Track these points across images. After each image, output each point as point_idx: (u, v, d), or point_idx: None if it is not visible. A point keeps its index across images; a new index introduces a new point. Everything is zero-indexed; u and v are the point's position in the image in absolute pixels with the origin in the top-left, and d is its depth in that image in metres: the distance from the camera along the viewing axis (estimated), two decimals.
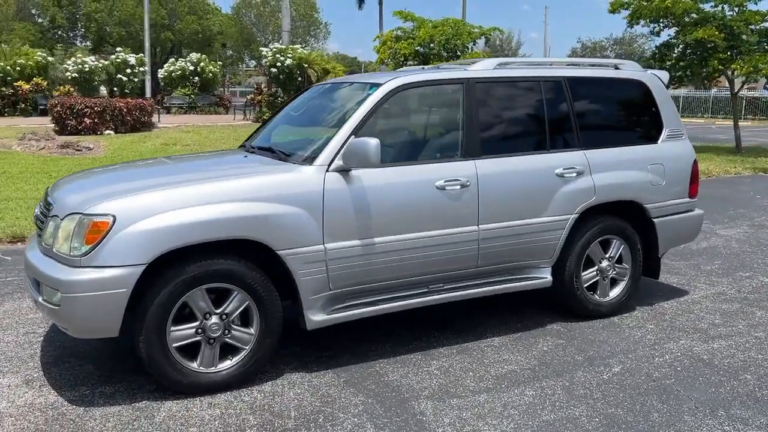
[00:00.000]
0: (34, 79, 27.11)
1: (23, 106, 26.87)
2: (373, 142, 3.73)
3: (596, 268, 4.84)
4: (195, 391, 3.57)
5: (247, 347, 3.69)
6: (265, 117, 26.73)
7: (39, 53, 27.93)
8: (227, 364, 3.66)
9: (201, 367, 3.59)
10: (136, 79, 25.53)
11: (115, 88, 24.84)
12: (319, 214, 3.75)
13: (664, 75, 5.32)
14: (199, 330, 3.56)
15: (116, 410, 3.42)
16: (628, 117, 5.11)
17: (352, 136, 3.89)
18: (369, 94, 4.11)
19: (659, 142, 5.05)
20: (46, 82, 27.23)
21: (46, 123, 21.30)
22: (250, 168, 4.12)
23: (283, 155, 4.14)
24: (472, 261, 4.32)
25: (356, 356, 4.14)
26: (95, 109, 19.24)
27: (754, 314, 4.99)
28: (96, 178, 4.22)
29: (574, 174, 4.58)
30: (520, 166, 4.43)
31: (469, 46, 36.54)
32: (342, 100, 4.54)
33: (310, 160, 3.89)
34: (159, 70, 32.07)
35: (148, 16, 26.21)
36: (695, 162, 5.20)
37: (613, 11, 19.20)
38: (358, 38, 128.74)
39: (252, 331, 3.70)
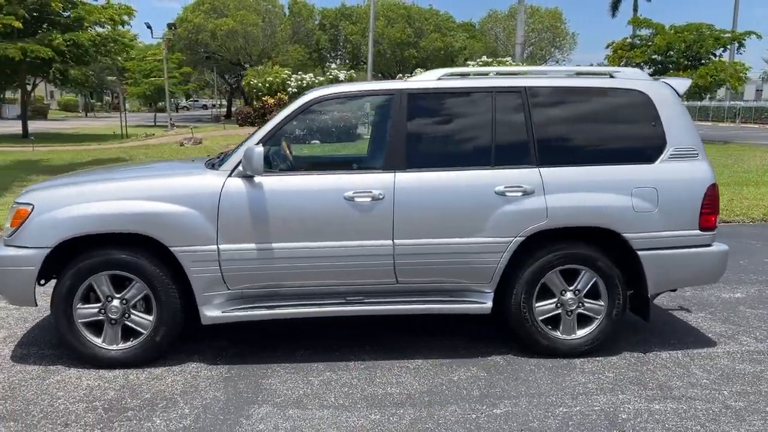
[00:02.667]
0: (278, 94, 30.93)
1: (268, 117, 30.80)
2: (257, 150, 3.89)
3: (556, 300, 4.30)
4: (96, 364, 4.08)
5: (145, 332, 4.10)
6: None
7: (285, 71, 31.77)
8: (128, 344, 4.11)
9: (104, 344, 4.09)
10: None
11: None
12: (215, 216, 4.00)
13: (681, 84, 4.49)
14: (102, 310, 4.05)
15: (32, 369, 4.08)
16: (613, 131, 4.40)
17: (260, 144, 4.07)
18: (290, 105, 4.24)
19: (657, 162, 4.29)
20: (287, 97, 30.83)
21: None
22: (171, 171, 4.52)
23: (215, 161, 4.46)
24: (389, 276, 4.18)
25: (265, 356, 4.29)
26: None
27: (760, 382, 3.98)
28: (66, 175, 4.93)
29: (520, 193, 4.14)
30: (450, 182, 4.16)
31: (716, 53, 32.64)
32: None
33: (220, 165, 4.16)
34: None
35: (372, 36, 28.28)
36: (712, 188, 4.29)
37: None
38: None
39: (151, 318, 4.09)
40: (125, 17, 30.19)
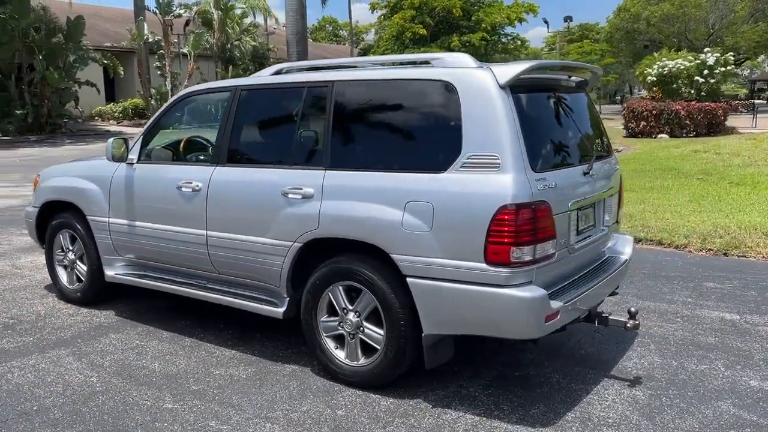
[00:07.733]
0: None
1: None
2: (108, 141, 4.67)
3: (339, 318, 3.85)
4: (61, 298, 5.49)
5: (84, 279, 5.32)
6: None
7: (688, 56, 26.89)
8: (76, 287, 5.40)
9: (66, 283, 5.47)
10: (712, 81, 22.62)
11: (692, 91, 22.77)
12: (108, 194, 4.94)
13: (507, 70, 3.35)
14: (65, 258, 5.44)
15: (36, 289, 5.74)
16: (409, 132, 3.57)
17: (141, 136, 4.83)
18: None
19: (447, 171, 3.39)
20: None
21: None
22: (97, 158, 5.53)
23: None
24: (208, 265, 4.42)
25: (171, 321, 5.00)
26: (652, 112, 19.37)
27: None
28: None
29: (300, 196, 3.85)
30: (248, 179, 4.14)
31: None
32: None
33: None
34: None
35: None
36: (513, 211, 3.16)
37: None
38: None
39: (86, 269, 5.29)
40: (524, 15, 31.74)
